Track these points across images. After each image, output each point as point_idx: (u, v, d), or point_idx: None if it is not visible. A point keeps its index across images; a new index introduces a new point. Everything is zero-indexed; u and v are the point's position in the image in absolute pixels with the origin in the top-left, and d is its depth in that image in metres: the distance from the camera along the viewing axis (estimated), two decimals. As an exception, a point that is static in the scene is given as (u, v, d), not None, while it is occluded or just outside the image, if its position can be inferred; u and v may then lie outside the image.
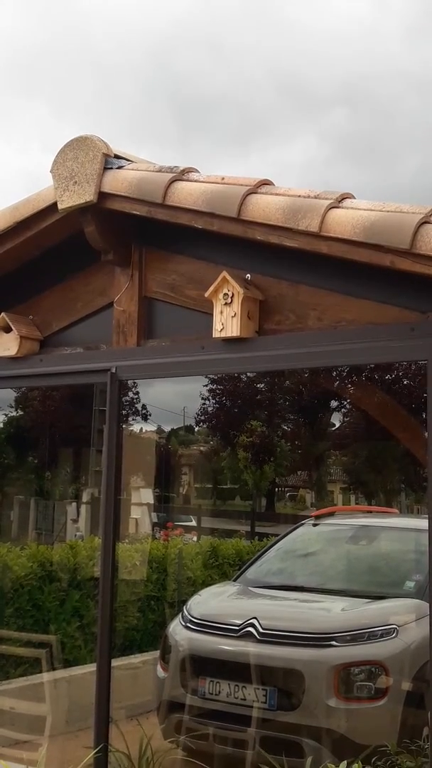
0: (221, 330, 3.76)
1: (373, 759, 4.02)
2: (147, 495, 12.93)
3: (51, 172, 4.09)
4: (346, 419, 25.50)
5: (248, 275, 3.79)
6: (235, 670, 5.06)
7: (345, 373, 7.80)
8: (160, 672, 5.59)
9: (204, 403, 25.81)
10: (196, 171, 3.87)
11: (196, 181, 3.76)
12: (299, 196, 3.44)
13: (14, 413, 23.47)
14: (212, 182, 3.70)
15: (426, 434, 3.31)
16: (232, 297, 3.71)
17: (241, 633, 5.15)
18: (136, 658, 7.16)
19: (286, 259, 3.64)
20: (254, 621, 5.15)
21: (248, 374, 20.32)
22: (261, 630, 5.09)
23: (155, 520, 14.50)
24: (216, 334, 3.79)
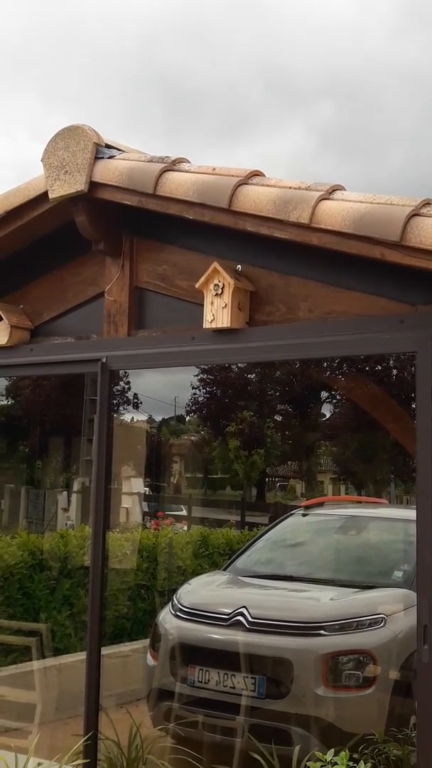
0: (212, 321, 3.77)
1: (361, 747, 4.05)
2: (138, 484, 12.94)
3: (42, 161, 4.08)
4: (336, 410, 25.57)
5: (239, 266, 3.79)
6: (224, 658, 5.09)
7: (335, 364, 7.82)
8: (150, 660, 5.61)
9: (194, 393, 25.83)
10: (187, 161, 3.87)
11: (187, 171, 3.76)
12: (290, 187, 3.45)
13: (5, 402, 23.43)
14: (203, 173, 3.70)
15: (415, 425, 3.33)
16: (222, 288, 3.72)
17: (230, 622, 5.18)
18: (126, 647, 7.18)
19: (276, 250, 3.65)
20: (243, 610, 5.17)
21: (239, 365, 20.34)
22: (250, 619, 5.11)
23: (146, 509, 14.52)
24: (206, 325, 3.80)
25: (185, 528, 12.76)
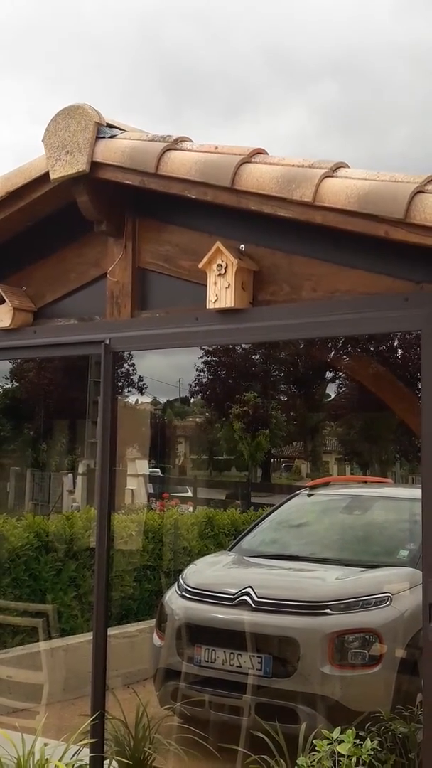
0: (215, 301, 3.75)
1: (367, 725, 4.07)
2: (142, 466, 12.96)
3: (43, 141, 4.05)
4: (341, 390, 25.52)
5: (242, 246, 3.77)
6: (230, 638, 5.11)
7: (340, 344, 7.79)
8: (156, 640, 5.64)
9: (199, 375, 25.81)
10: (189, 140, 3.83)
11: (189, 150, 3.73)
12: (293, 165, 3.42)
13: (9, 385, 23.46)
14: (206, 152, 3.67)
15: (420, 404, 3.31)
16: (226, 268, 3.70)
17: (236, 602, 5.19)
18: (132, 627, 7.23)
19: (280, 229, 3.62)
20: (249, 590, 5.19)
21: (243, 345, 20.30)
22: (256, 599, 5.13)
23: (151, 491, 14.56)
24: (210, 305, 3.78)
25: (191, 509, 12.79)
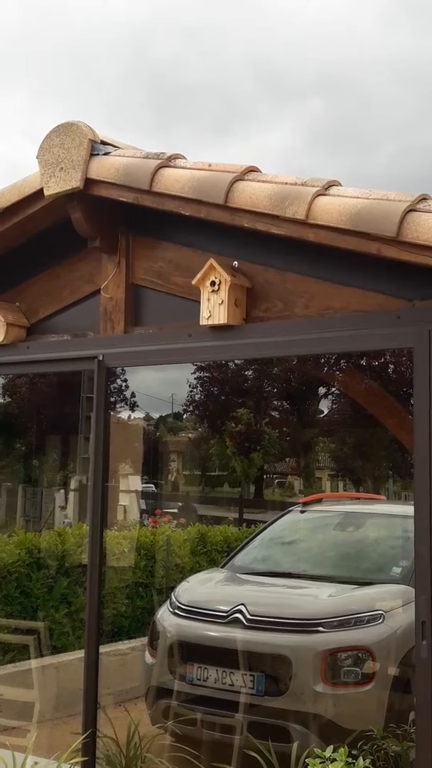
0: (208, 317, 3.76)
1: (360, 743, 4.05)
2: (135, 482, 12.93)
3: (37, 158, 4.06)
4: (333, 406, 25.51)
5: (235, 262, 3.78)
6: (222, 656, 5.08)
7: (332, 361, 7.81)
8: (148, 658, 5.60)
9: (191, 391, 25.80)
10: (183, 157, 3.85)
11: (183, 167, 3.75)
12: (286, 183, 3.44)
13: (1, 400, 23.40)
14: (199, 169, 3.69)
15: (413, 421, 3.32)
16: (219, 284, 3.71)
17: (228, 619, 5.17)
18: (124, 645, 7.18)
19: (273, 246, 3.64)
20: (242, 607, 5.16)
21: (236, 362, 20.31)
22: (248, 616, 5.11)
23: (143, 507, 14.52)
24: (203, 322, 3.79)
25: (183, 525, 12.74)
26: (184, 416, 28.73)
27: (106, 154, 3.96)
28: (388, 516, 6.69)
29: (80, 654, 4.60)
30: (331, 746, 3.35)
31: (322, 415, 26.66)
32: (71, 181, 3.95)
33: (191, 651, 5.26)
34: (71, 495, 16.18)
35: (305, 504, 7.17)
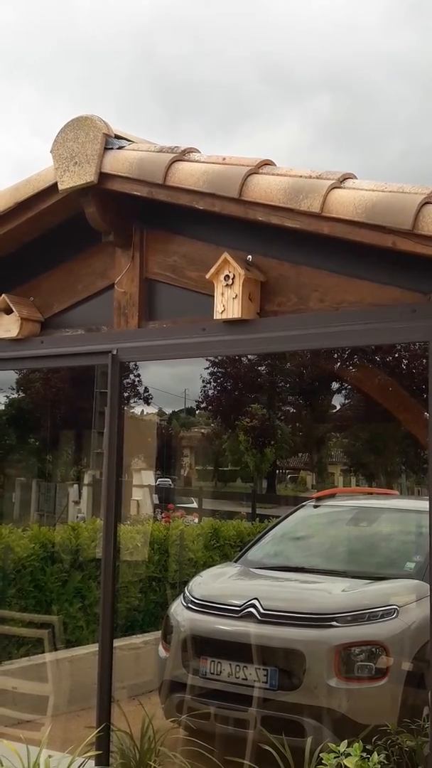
0: (222, 312, 3.75)
1: (374, 738, 4.04)
2: (148, 477, 12.96)
3: (51, 152, 4.06)
4: (347, 401, 25.50)
5: (249, 256, 3.77)
6: (236, 650, 5.08)
7: (346, 355, 7.78)
8: (162, 652, 5.61)
9: (205, 386, 25.81)
10: (197, 151, 3.84)
11: (197, 161, 3.74)
12: (301, 176, 3.42)
13: (15, 395, 23.49)
14: (213, 162, 3.68)
15: (427, 416, 3.31)
16: (233, 278, 3.70)
17: (242, 613, 5.17)
18: (137, 639, 7.19)
19: (287, 240, 3.62)
20: (255, 602, 5.16)
21: (249, 357, 20.31)
22: (262, 611, 5.10)
23: (156, 502, 14.54)
24: (217, 316, 3.78)
25: (196, 520, 12.76)
26: (197, 411, 28.77)
27: (120, 148, 3.95)
28: (402, 511, 6.67)
29: (94, 648, 4.61)
30: (345, 741, 3.35)
31: (335, 410, 26.64)
32: (85, 176, 3.94)
33: (205, 645, 5.26)
34: (85, 490, 16.24)
35: (318, 499, 7.16)
